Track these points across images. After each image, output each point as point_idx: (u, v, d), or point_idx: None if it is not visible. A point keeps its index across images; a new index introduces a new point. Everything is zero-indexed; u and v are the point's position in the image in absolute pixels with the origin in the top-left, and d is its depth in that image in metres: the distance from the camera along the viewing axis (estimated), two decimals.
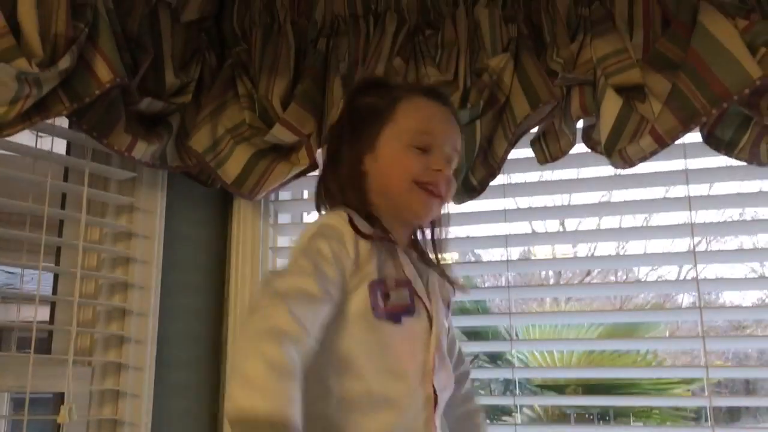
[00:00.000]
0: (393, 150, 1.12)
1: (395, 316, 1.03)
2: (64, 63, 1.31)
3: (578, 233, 2.43)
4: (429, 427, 1.06)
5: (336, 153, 1.17)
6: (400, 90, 1.19)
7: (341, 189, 1.13)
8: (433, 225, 1.22)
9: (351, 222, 1.04)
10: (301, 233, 1.07)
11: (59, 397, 1.46)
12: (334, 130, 1.21)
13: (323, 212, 1.17)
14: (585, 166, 1.72)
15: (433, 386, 1.06)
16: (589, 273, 6.69)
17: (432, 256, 1.20)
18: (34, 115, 1.33)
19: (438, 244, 1.21)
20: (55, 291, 1.58)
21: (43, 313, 1.50)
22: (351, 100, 1.21)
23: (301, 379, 0.85)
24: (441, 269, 1.18)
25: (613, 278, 6.54)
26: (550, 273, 7.20)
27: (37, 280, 1.46)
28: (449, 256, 1.27)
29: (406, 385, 1.04)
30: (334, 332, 0.99)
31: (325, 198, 1.18)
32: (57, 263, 1.59)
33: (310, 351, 0.91)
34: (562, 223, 5.55)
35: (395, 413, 1.02)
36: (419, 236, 1.22)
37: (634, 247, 6.66)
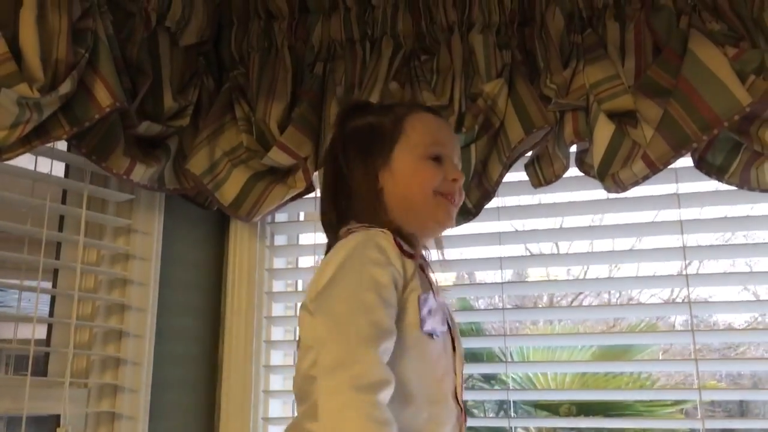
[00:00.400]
0: (409, 163, 1.14)
1: (434, 330, 1.05)
2: (65, 88, 1.32)
3: (571, 255, 2.44)
4: None
5: (344, 174, 1.16)
6: (400, 107, 1.22)
7: (362, 207, 1.12)
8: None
9: (396, 241, 1.05)
10: (342, 245, 1.05)
11: (55, 419, 1.46)
12: (333, 153, 1.20)
13: (353, 231, 1.10)
14: (578, 189, 1.74)
15: (460, 401, 1.09)
16: (581, 292, 6.71)
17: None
18: (34, 139, 1.34)
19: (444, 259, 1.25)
20: (52, 312, 1.58)
21: (39, 333, 1.50)
22: (345, 124, 1.20)
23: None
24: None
25: (606, 296, 6.55)
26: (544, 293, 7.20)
27: (35, 301, 1.45)
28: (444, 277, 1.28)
29: (446, 400, 1.06)
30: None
31: (346, 219, 1.14)
32: (54, 284, 1.59)
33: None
34: (556, 245, 5.56)
35: (440, 426, 1.04)
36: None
37: (627, 269, 6.67)
